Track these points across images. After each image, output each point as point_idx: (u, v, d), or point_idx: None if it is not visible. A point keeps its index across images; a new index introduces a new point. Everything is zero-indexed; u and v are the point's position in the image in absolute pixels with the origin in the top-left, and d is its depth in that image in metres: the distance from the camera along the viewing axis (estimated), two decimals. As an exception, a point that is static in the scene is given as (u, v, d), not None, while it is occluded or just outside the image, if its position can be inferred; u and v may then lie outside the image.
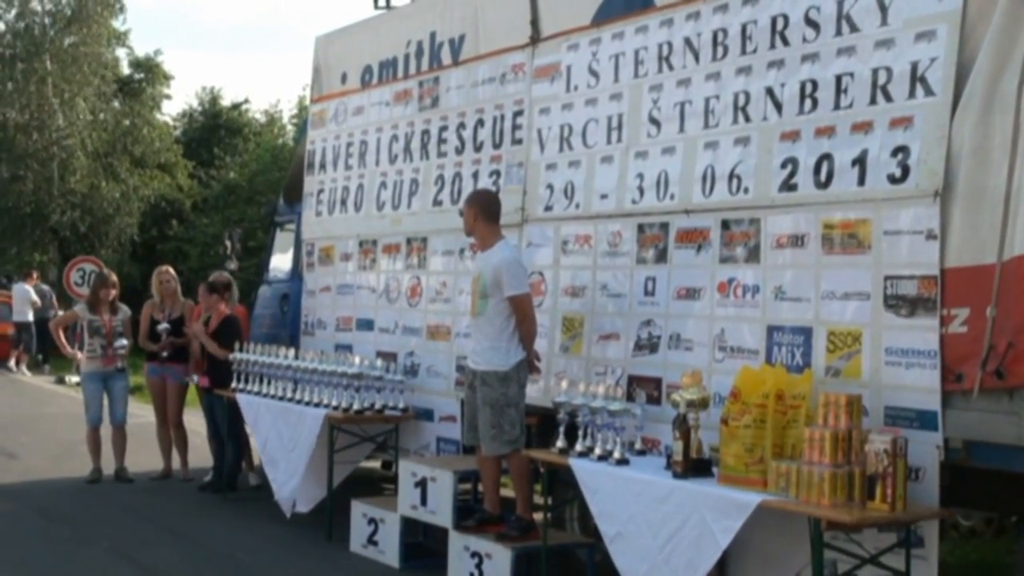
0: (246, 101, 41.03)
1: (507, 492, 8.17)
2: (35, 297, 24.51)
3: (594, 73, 7.94)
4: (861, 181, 6.08)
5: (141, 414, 13.77)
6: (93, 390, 11.56)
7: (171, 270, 12.12)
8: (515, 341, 7.45)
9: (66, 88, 31.65)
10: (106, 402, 11.55)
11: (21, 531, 9.31)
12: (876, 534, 5.78)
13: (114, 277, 11.99)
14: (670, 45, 7.34)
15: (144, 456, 11.65)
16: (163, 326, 11.35)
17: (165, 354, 11.42)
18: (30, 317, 24.07)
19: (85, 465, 11.59)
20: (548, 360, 7.97)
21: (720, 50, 6.99)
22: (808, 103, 6.42)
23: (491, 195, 8.08)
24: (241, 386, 10.30)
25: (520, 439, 7.49)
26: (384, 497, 9.65)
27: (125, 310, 11.76)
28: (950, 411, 5.65)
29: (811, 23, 6.43)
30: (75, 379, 22.38)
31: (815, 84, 6.38)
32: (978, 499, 6.55)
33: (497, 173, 8.76)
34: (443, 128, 9.45)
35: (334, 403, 9.25)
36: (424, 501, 8.03)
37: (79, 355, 11.77)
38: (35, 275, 26.31)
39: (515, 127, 8.65)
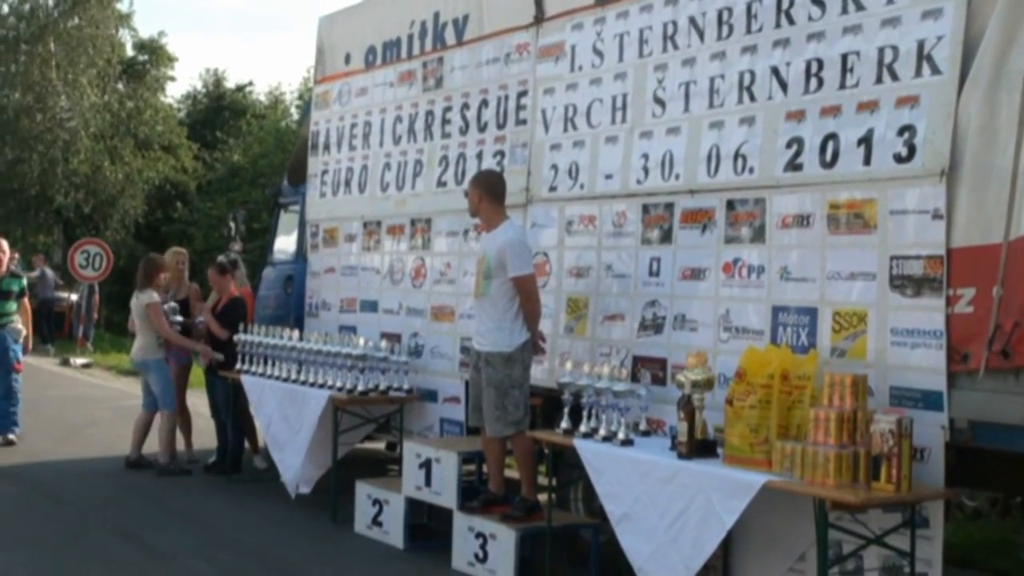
0: (250, 83, 41.07)
1: (512, 473, 8.17)
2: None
3: (598, 53, 7.91)
4: (867, 161, 6.05)
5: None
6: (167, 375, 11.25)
7: (184, 252, 12.10)
8: (519, 322, 7.44)
9: (70, 70, 31.63)
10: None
11: (27, 512, 9.33)
12: (881, 514, 5.78)
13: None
14: (675, 24, 7.30)
15: (148, 437, 11.62)
16: (176, 318, 11.21)
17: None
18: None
19: (90, 447, 11.61)
20: (553, 341, 7.96)
21: (725, 29, 6.95)
22: (814, 82, 6.38)
23: (496, 175, 8.05)
24: (245, 368, 10.30)
25: (524, 420, 7.48)
26: (388, 478, 9.65)
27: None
28: (955, 391, 5.63)
29: (817, 1, 6.39)
30: (80, 361, 22.50)
31: (821, 63, 6.35)
32: (983, 479, 6.55)
33: (501, 154, 8.73)
34: (447, 109, 9.43)
35: (338, 384, 9.25)
36: (428, 482, 8.03)
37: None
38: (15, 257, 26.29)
39: (519, 107, 8.62)
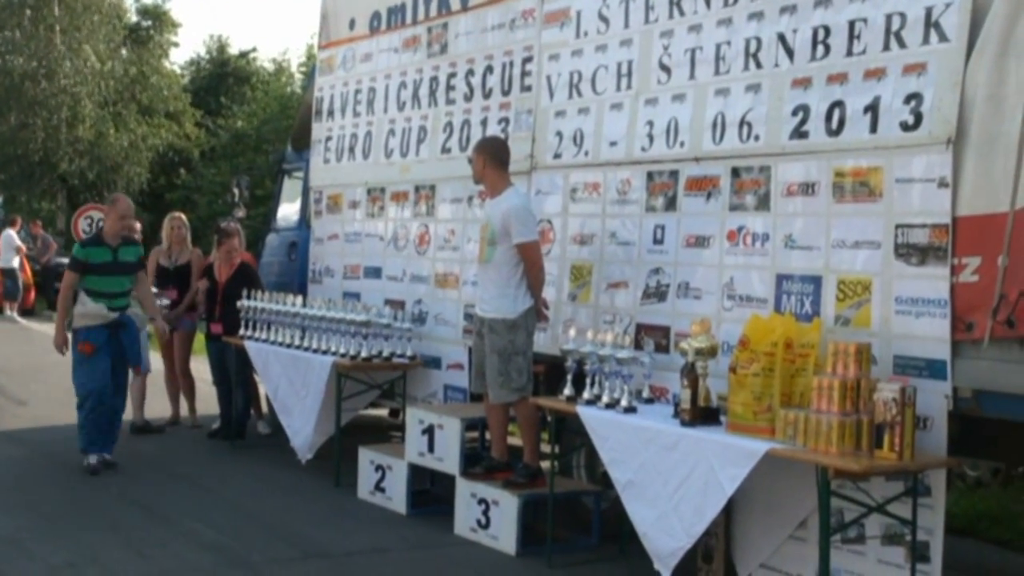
0: (254, 49, 40.98)
1: (515, 440, 8.19)
2: (19, 242, 24.58)
3: (604, 19, 7.86)
4: (873, 128, 6.02)
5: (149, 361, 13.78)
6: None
7: (183, 216, 12.09)
8: (523, 288, 7.43)
9: (75, 35, 31.55)
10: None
11: (31, 476, 9.36)
12: (883, 483, 5.79)
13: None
14: (681, -10, 7.26)
15: (152, 403, 11.66)
16: (163, 301, 11.10)
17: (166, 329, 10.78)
18: (14, 264, 24.20)
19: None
20: (556, 308, 7.96)
21: (732, -5, 6.91)
22: (820, 49, 6.35)
23: (500, 142, 8.03)
24: (249, 334, 10.30)
25: (528, 387, 7.48)
26: (392, 444, 9.68)
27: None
28: (960, 360, 5.62)
29: (824, -32, 6.35)
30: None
31: (827, 30, 6.31)
32: (986, 449, 6.55)
33: (506, 120, 8.70)
34: (451, 75, 9.39)
35: (342, 350, 9.26)
36: (431, 448, 8.05)
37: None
38: (18, 221, 26.31)
39: (524, 74, 8.58)
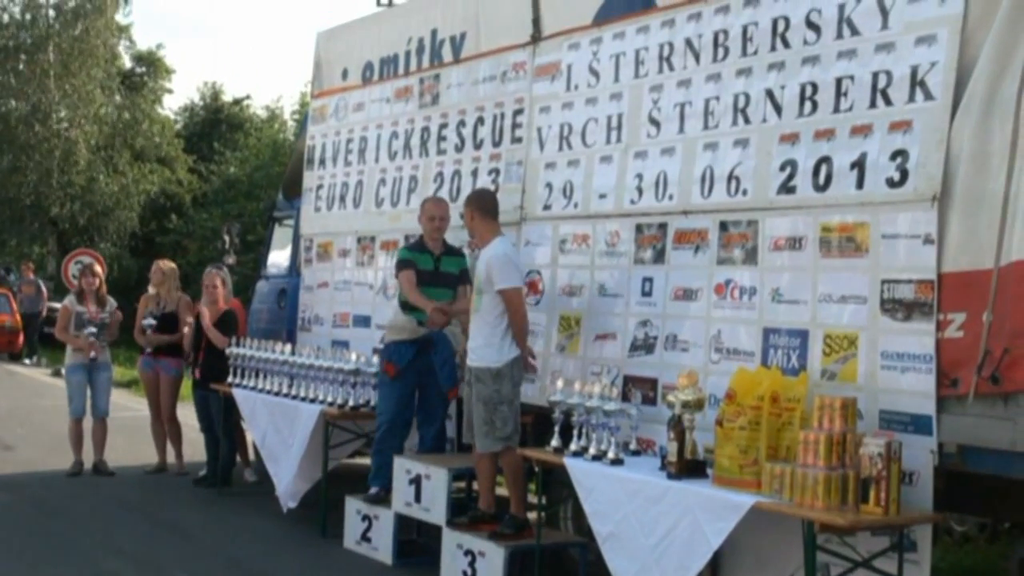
0: (248, 97, 41.19)
1: (503, 491, 8.17)
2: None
3: (595, 72, 7.94)
4: (860, 184, 6.07)
5: (136, 407, 13.76)
6: (77, 382, 11.54)
7: (172, 263, 12.12)
8: (508, 338, 7.46)
9: (69, 81, 31.67)
10: (89, 394, 11.52)
11: (16, 523, 9.31)
12: (869, 537, 5.78)
13: (97, 267, 11.98)
14: (671, 45, 7.33)
15: (138, 449, 11.63)
16: (147, 321, 11.30)
17: (149, 349, 11.37)
18: None
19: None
20: (545, 359, 7.97)
21: (721, 51, 6.98)
22: (808, 105, 6.41)
23: (487, 193, 8.10)
24: (237, 381, 10.29)
25: (513, 436, 7.48)
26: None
27: (112, 302, 11.74)
28: (945, 416, 5.64)
29: (812, 26, 6.42)
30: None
31: (815, 86, 6.38)
32: (972, 504, 6.55)
33: (496, 171, 8.75)
34: (443, 125, 9.45)
35: (330, 399, 9.24)
36: (418, 498, 8.02)
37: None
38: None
39: (515, 125, 8.64)
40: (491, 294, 7.43)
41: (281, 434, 9.60)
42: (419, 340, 8.39)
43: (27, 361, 24.32)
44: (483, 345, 7.49)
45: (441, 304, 8.12)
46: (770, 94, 6.63)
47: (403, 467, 8.20)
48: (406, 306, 8.38)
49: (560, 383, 7.20)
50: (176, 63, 60.32)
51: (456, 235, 8.73)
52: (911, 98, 5.88)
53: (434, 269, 8.36)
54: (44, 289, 25.37)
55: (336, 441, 9.19)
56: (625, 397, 7.11)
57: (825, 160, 6.27)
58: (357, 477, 10.60)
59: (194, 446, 11.73)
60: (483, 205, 7.75)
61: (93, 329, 11.32)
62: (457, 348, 8.49)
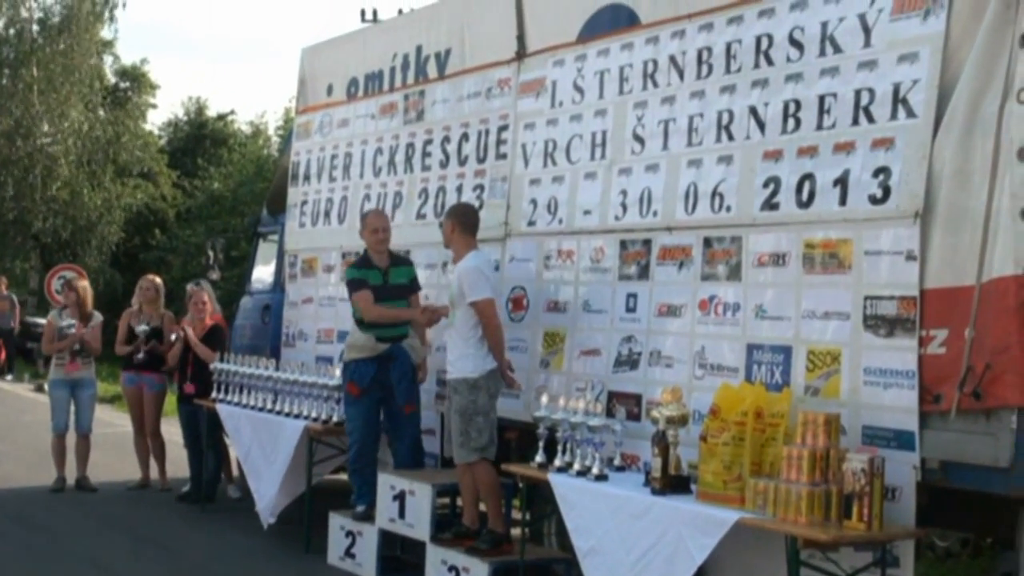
0: (232, 112, 41.10)
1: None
2: None
3: (579, 89, 7.96)
4: (843, 201, 6.11)
5: (119, 423, 13.70)
6: (59, 397, 11.53)
7: (155, 279, 12.09)
8: (484, 349, 7.48)
9: (53, 96, 31.58)
10: (72, 410, 11.49)
11: (-3, 539, 9.27)
12: (852, 553, 5.79)
13: (81, 282, 11.95)
14: (655, 63, 7.36)
15: (122, 465, 11.59)
16: (142, 327, 11.29)
17: (140, 355, 11.31)
18: None
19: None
20: (529, 374, 7.98)
21: (705, 68, 7.01)
22: (791, 122, 6.45)
23: (469, 208, 8.13)
24: (221, 396, 10.27)
25: (489, 448, 7.48)
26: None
27: (97, 316, 11.72)
28: (927, 431, 5.67)
29: (795, 43, 6.46)
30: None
31: (798, 104, 6.41)
32: (954, 520, 6.57)
33: (481, 187, 8.77)
34: (428, 141, 9.46)
35: (314, 415, 9.23)
36: (402, 514, 8.01)
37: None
38: None
39: (500, 142, 8.66)
40: (464, 307, 7.46)
41: (264, 450, 9.58)
42: (379, 357, 8.40)
43: (9, 377, 24.21)
44: (459, 357, 7.53)
45: (427, 304, 8.46)
46: (754, 111, 6.67)
47: (387, 483, 8.19)
48: (362, 324, 8.42)
49: (545, 399, 7.21)
50: (160, 78, 60.15)
51: (439, 250, 8.73)
52: (893, 115, 5.92)
53: (383, 283, 8.46)
54: (17, 303, 25.17)
55: (319, 457, 9.17)
56: (609, 413, 7.12)
57: (808, 177, 6.30)
58: (340, 492, 10.59)
59: (177, 462, 11.68)
60: (464, 220, 7.78)
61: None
62: (416, 361, 8.53)
